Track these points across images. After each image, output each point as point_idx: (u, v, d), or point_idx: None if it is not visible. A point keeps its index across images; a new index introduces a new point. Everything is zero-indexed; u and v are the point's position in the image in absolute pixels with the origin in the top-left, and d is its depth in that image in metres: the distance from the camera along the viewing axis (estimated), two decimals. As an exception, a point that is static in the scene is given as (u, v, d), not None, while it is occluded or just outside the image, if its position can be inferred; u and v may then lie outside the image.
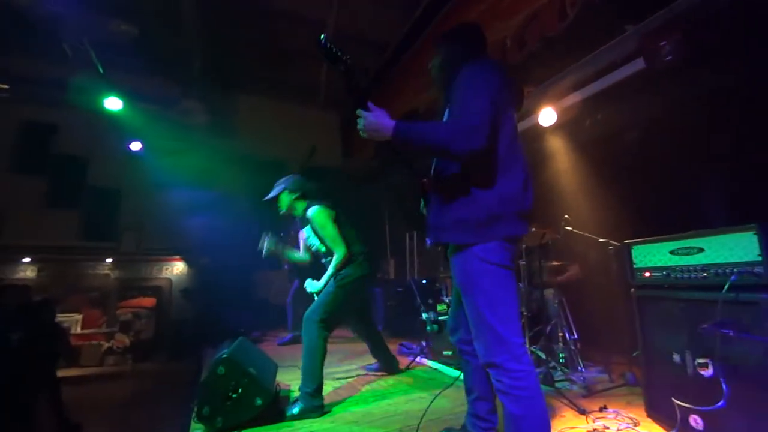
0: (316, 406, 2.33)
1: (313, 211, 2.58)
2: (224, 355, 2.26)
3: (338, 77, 1.43)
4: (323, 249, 2.78)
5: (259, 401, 2.21)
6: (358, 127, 1.38)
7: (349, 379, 3.12)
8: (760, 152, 2.51)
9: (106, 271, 6.01)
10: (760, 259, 1.50)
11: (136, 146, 5.94)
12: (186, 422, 2.28)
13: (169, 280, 6.47)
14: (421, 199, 1.72)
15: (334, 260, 2.58)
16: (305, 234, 2.97)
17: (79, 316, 5.24)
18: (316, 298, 2.66)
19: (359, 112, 1.37)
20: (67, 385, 2.88)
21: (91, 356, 4.70)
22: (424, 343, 3.83)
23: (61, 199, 5.85)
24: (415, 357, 3.62)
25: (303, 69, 6.34)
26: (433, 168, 1.59)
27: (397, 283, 6.15)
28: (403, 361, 3.50)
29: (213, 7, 4.93)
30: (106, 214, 6.19)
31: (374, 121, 1.34)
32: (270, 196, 2.72)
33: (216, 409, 2.16)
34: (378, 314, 5.84)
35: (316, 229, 2.62)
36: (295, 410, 2.30)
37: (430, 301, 3.85)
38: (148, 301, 5.90)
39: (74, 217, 5.99)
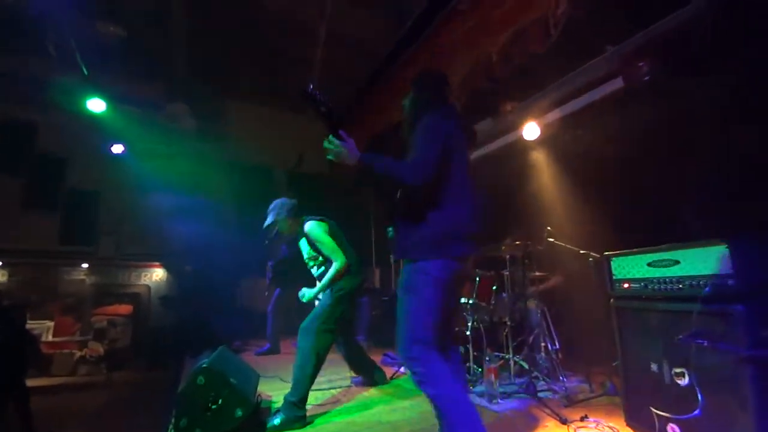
0: (298, 416, 2.30)
1: (310, 226, 2.70)
2: (204, 365, 2.21)
3: (319, 117, 1.67)
4: (313, 263, 2.83)
5: (239, 412, 2.16)
6: (328, 148, 1.63)
7: (332, 390, 3.07)
8: (733, 170, 2.63)
9: (82, 277, 5.79)
10: (732, 271, 1.56)
11: (118, 149, 5.80)
12: (162, 433, 2.21)
13: (148, 287, 6.28)
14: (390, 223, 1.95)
15: (333, 268, 2.61)
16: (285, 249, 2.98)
17: (50, 324, 5.01)
18: (314, 304, 2.68)
19: (332, 138, 1.62)
20: (37, 395, 2.75)
21: (62, 365, 4.48)
22: (408, 353, 3.81)
23: (38, 200, 5.65)
24: (400, 367, 3.60)
25: (293, 75, 6.35)
26: (398, 196, 1.82)
27: (382, 292, 6.14)
28: (387, 372, 3.48)
29: (203, 12, 4.91)
30: (85, 217, 5.99)
31: (345, 149, 1.62)
32: (269, 222, 2.77)
33: (194, 420, 2.10)
34: (363, 323, 5.78)
35: (314, 242, 2.68)
36: (277, 421, 2.26)
37: (415, 311, 3.84)
38: (125, 309, 5.70)
39: (51, 219, 5.79)
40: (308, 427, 2.32)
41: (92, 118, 5.26)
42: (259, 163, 7.31)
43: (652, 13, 2.90)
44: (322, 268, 2.76)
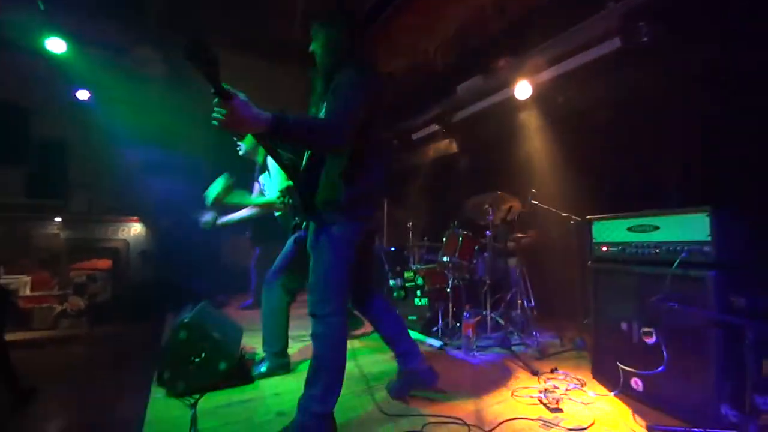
0: (283, 363, 2.42)
1: None
2: (186, 320, 2.21)
3: (202, 73, 1.21)
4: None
5: (223, 365, 2.20)
6: (218, 116, 1.25)
7: None
8: (725, 138, 2.63)
9: (55, 231, 5.60)
10: (709, 239, 1.60)
11: (83, 95, 5.39)
12: (147, 385, 2.24)
13: (126, 241, 6.14)
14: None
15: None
16: (261, 183, 2.79)
17: (27, 278, 4.90)
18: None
19: (219, 102, 1.24)
20: (17, 348, 2.74)
21: (43, 319, 4.44)
22: (390, 310, 3.92)
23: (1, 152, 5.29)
24: (381, 322, 3.71)
25: (276, 26, 5.90)
26: (307, 154, 1.72)
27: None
28: (369, 326, 3.58)
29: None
30: (53, 169, 5.67)
31: (245, 112, 1.25)
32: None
33: (178, 373, 2.13)
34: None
35: (276, 173, 2.54)
36: (263, 368, 2.36)
37: (398, 269, 3.90)
38: (104, 263, 5.60)
39: (15, 172, 5.47)
40: (291, 375, 2.41)
41: (52, 60, 4.82)
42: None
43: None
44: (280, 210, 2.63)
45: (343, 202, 1.59)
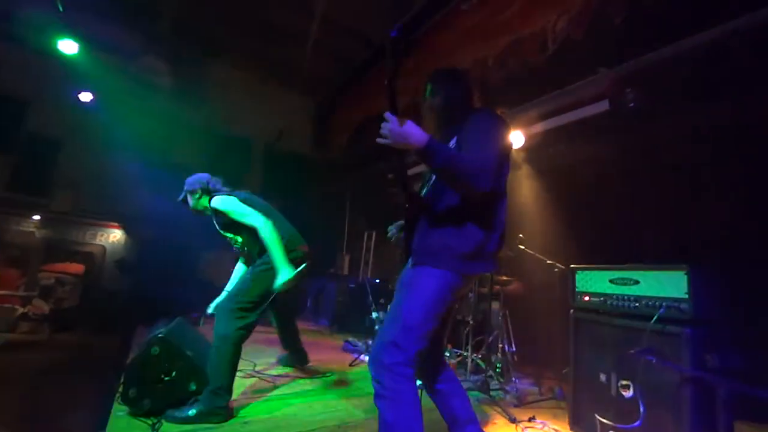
0: (219, 407, 1.99)
1: (216, 201, 2.37)
2: (160, 335, 2.13)
3: (389, 73, 1.46)
4: (239, 239, 2.49)
5: (193, 386, 2.10)
6: (382, 131, 1.33)
7: (276, 374, 2.95)
8: (705, 198, 2.80)
9: (32, 229, 5.40)
10: (686, 296, 1.67)
11: (86, 97, 5.42)
12: (107, 400, 2.12)
13: (103, 247, 5.95)
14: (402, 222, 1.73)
15: (266, 235, 2.21)
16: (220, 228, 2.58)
17: (-8, 275, 4.68)
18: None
19: (388, 115, 1.32)
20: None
21: (2, 320, 4.21)
22: (370, 342, 3.85)
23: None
24: (359, 355, 3.63)
25: (284, 46, 6.14)
26: (425, 194, 1.64)
27: (350, 279, 6.15)
28: (347, 359, 3.50)
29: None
30: (41, 166, 5.58)
31: (406, 128, 1.30)
32: (181, 197, 2.58)
33: (145, 391, 2.02)
34: (327, 308, 5.79)
35: (226, 215, 2.34)
36: (191, 412, 1.94)
37: (382, 301, 3.87)
38: (76, 268, 5.38)
39: (4, 163, 5.36)
40: (262, 399, 2.29)
41: (61, 59, 4.88)
42: (236, 133, 7.05)
43: (647, 44, 3.00)
44: (246, 248, 2.47)
45: (458, 253, 1.42)
